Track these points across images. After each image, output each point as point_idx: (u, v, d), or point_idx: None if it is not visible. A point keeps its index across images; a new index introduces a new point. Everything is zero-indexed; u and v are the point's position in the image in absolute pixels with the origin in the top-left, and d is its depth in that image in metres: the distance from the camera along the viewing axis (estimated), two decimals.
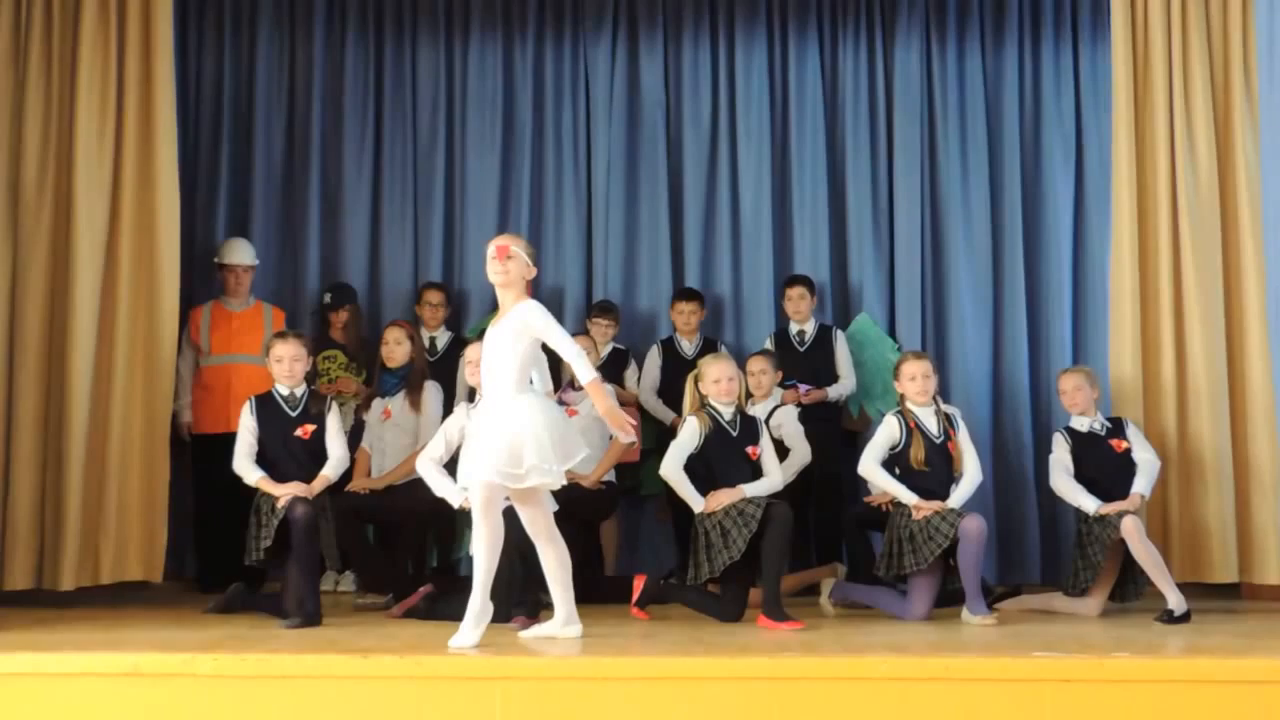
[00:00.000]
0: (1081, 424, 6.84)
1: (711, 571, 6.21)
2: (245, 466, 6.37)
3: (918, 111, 8.45)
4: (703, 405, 6.46)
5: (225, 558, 7.44)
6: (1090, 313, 8.30)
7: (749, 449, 6.41)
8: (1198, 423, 7.20)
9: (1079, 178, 8.44)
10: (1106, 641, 5.63)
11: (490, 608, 5.49)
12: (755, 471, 6.40)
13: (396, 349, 7.29)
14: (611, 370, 7.75)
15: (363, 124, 8.45)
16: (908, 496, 6.40)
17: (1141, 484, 6.66)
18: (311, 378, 6.72)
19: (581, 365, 5.40)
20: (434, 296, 7.96)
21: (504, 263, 5.59)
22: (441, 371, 7.54)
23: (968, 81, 8.49)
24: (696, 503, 6.30)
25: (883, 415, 6.90)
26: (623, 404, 7.49)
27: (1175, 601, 6.31)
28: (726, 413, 6.43)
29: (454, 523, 7.73)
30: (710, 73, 8.56)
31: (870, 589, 6.68)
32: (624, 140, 8.50)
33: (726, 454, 6.37)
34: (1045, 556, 8.14)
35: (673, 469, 6.37)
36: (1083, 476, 6.71)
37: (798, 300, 7.91)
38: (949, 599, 6.47)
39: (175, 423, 7.47)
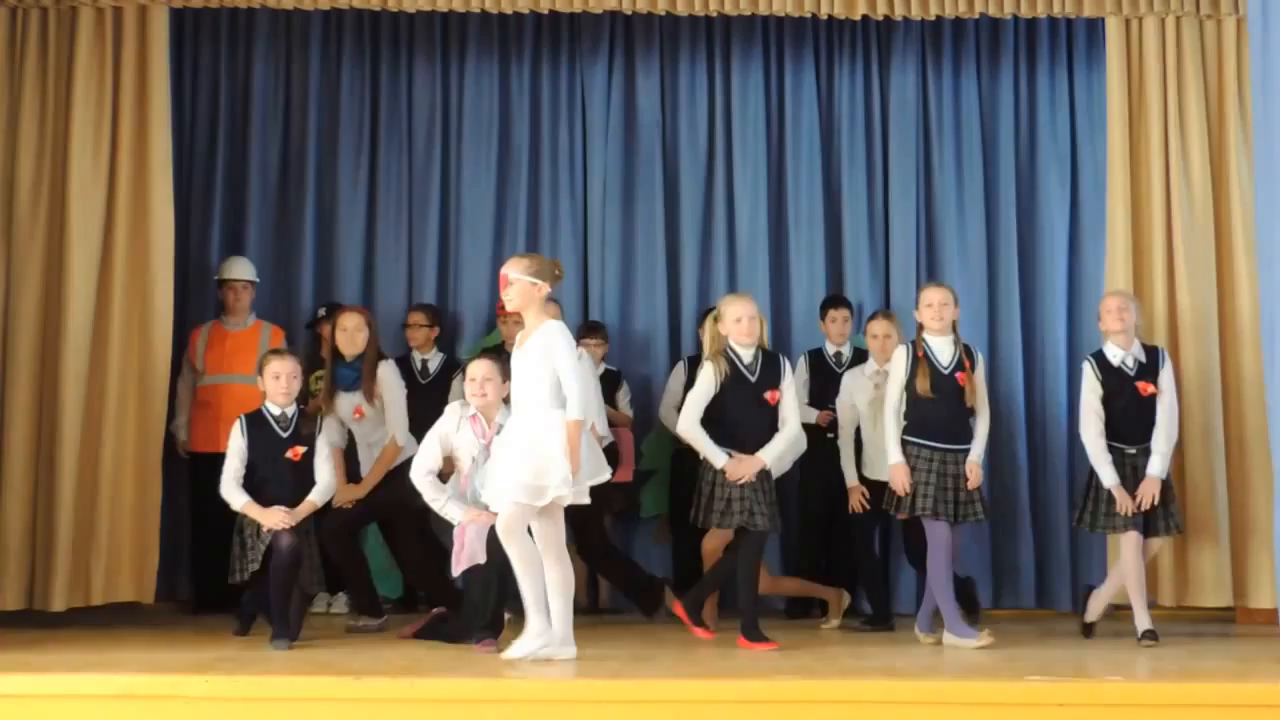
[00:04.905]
0: (1114, 355, 6.61)
1: (703, 522, 6.27)
2: (232, 491, 6.31)
3: (913, 134, 8.45)
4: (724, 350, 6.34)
5: (221, 577, 7.41)
6: (1086, 333, 8.28)
7: (768, 394, 6.29)
8: (1192, 445, 7.20)
9: (1074, 199, 8.44)
10: (1102, 665, 5.64)
11: (548, 625, 5.61)
12: (773, 418, 6.29)
13: (358, 335, 6.85)
14: (603, 392, 7.71)
15: (358, 144, 8.44)
16: (719, 458, 6.22)
17: (1156, 466, 6.48)
18: (303, 398, 6.67)
19: (573, 402, 5.53)
20: (417, 317, 7.83)
21: (505, 290, 5.72)
22: (434, 395, 7.43)
23: (963, 104, 8.50)
24: (718, 459, 6.20)
25: None
26: (614, 425, 7.48)
27: (1144, 621, 6.33)
28: (746, 355, 6.32)
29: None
30: (707, 95, 8.56)
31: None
32: (620, 162, 8.50)
33: (743, 399, 6.26)
34: (1040, 579, 8.11)
35: (690, 424, 6.29)
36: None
37: (841, 322, 7.72)
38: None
39: (173, 442, 7.44)
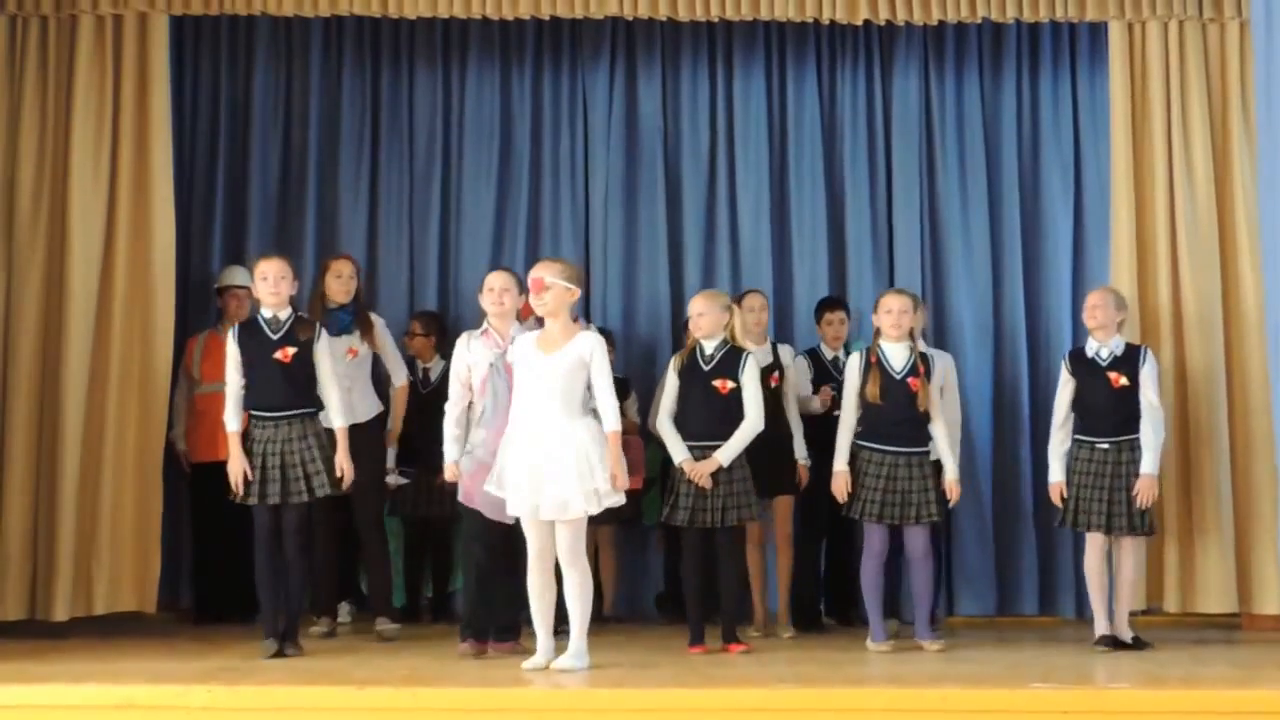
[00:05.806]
0: (1090, 349, 6.71)
1: (670, 519, 6.39)
2: (231, 415, 6.13)
3: (916, 139, 8.43)
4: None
5: (223, 585, 7.40)
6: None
7: (717, 382, 6.37)
8: (1197, 449, 7.19)
9: (1078, 203, 8.42)
10: (1105, 673, 5.62)
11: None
12: (725, 408, 6.35)
13: (350, 283, 6.93)
14: None
15: (359, 152, 8.42)
16: (678, 455, 6.38)
17: (1148, 462, 6.48)
18: (300, 305, 6.46)
19: (610, 414, 5.65)
20: (411, 325, 7.78)
21: (541, 295, 5.71)
22: (435, 405, 7.29)
23: (966, 109, 8.48)
24: (677, 455, 6.36)
25: None
26: (624, 433, 7.46)
27: (1102, 628, 6.37)
28: (708, 347, 6.44)
29: (449, 552, 7.72)
30: (709, 100, 8.54)
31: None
32: (622, 168, 8.48)
33: (694, 388, 6.41)
34: (1043, 585, 8.08)
35: (659, 421, 6.50)
36: (1075, 404, 6.68)
37: (837, 325, 7.65)
38: None
39: (173, 452, 7.42)
